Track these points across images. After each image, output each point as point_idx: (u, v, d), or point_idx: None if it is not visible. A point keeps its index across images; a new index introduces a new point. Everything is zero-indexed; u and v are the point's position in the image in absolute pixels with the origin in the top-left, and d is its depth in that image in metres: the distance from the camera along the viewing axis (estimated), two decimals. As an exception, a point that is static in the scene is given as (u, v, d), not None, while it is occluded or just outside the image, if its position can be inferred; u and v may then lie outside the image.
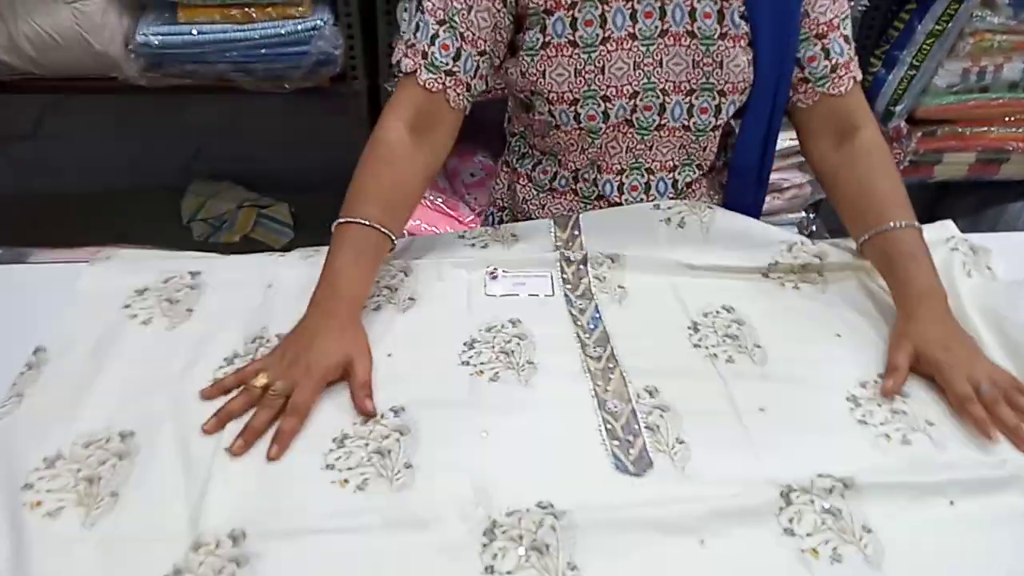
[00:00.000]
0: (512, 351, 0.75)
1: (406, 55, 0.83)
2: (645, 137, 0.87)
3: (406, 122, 0.83)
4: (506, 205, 1.01)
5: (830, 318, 0.81)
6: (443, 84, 0.82)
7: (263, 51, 1.28)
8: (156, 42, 1.26)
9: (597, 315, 0.80)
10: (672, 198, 0.92)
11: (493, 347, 0.75)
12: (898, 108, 1.72)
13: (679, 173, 0.91)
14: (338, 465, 0.63)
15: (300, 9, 1.30)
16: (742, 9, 0.82)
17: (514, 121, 0.97)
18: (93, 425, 0.65)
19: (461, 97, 0.83)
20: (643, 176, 0.90)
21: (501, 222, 1.02)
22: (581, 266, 0.86)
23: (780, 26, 0.84)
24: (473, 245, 0.88)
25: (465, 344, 0.76)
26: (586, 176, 0.91)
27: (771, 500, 0.61)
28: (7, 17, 1.21)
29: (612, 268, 0.86)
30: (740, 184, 0.94)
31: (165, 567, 0.55)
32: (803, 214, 1.83)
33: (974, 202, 2.01)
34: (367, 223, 0.77)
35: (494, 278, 0.84)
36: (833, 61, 0.86)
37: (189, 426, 0.65)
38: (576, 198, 0.93)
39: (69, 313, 0.77)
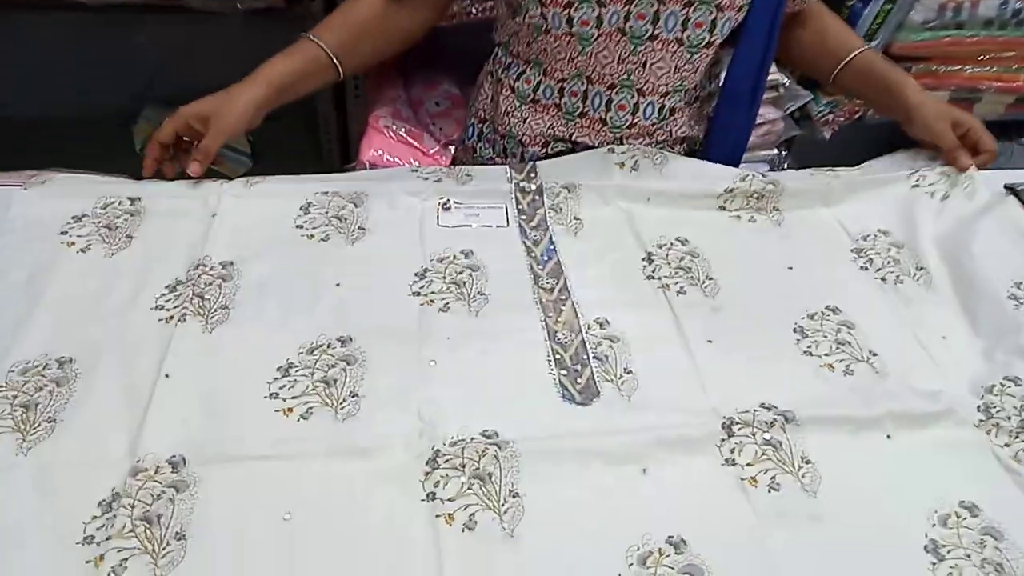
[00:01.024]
0: (464, 282, 0.74)
1: None
2: (638, 48, 0.84)
3: None
4: (487, 117, 0.98)
5: (783, 251, 0.81)
6: None
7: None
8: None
9: (551, 246, 0.79)
10: (655, 124, 0.90)
11: (444, 277, 0.74)
12: (874, 43, 1.68)
13: (668, 99, 0.89)
14: (282, 394, 0.62)
15: (253, -79, 1.22)
16: None
17: (501, 29, 0.94)
18: (30, 352, 0.63)
19: None
20: (633, 96, 0.88)
21: (481, 135, 1.00)
22: (537, 196, 0.84)
23: None
24: (427, 179, 0.86)
25: (416, 274, 0.74)
26: (574, 88, 0.88)
27: (714, 431, 0.62)
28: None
29: (568, 199, 0.84)
30: (730, 112, 0.92)
31: (103, 492, 0.54)
32: (775, 151, 1.82)
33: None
34: (315, 40, 0.84)
35: (447, 209, 0.82)
36: None
37: (129, 354, 0.63)
38: (559, 113, 0.91)
39: (1, 241, 0.74)
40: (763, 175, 0.87)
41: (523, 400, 0.63)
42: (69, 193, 0.79)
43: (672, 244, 0.80)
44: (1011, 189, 0.96)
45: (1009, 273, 0.79)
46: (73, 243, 0.74)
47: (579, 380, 0.65)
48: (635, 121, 0.90)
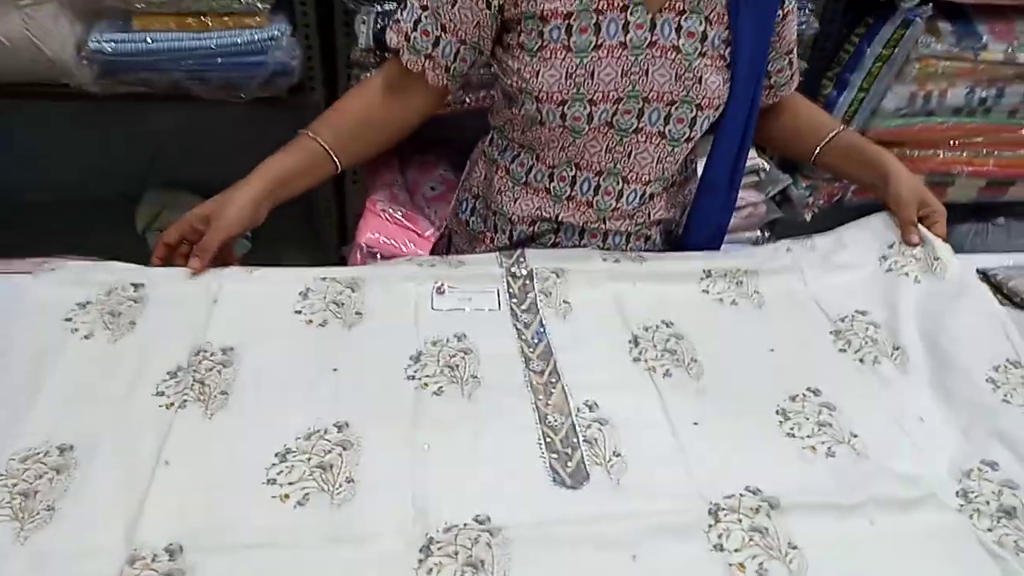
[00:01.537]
0: (457, 365, 0.76)
1: (392, 31, 0.89)
2: (624, 139, 0.89)
3: (386, 81, 0.92)
4: (480, 193, 1.03)
5: (765, 333, 0.83)
6: (422, 66, 0.89)
7: (219, 60, 1.27)
8: (109, 49, 1.24)
9: (542, 329, 0.81)
10: (636, 208, 0.95)
11: (439, 361, 0.76)
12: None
13: (649, 187, 0.94)
14: (279, 480, 0.63)
15: (257, 19, 1.30)
16: (724, 34, 0.87)
17: (496, 114, 0.99)
18: (31, 440, 0.64)
19: (440, 77, 0.89)
20: (618, 183, 0.93)
21: (474, 209, 1.04)
22: (527, 281, 0.87)
23: (757, 51, 0.90)
24: (420, 265, 0.89)
25: (411, 357, 0.76)
26: (563, 174, 0.93)
27: (701, 517, 0.63)
28: (-45, 22, 1.19)
29: (557, 283, 0.87)
30: (710, 200, 0.97)
31: (100, 580, 0.54)
32: (758, 232, 1.88)
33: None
34: (312, 136, 0.89)
35: (441, 292, 0.85)
36: (793, 69, 1.00)
37: (129, 441, 0.65)
38: (548, 195, 0.96)
39: (8, 328, 0.75)
40: (737, 268, 0.91)
41: (514, 484, 0.64)
42: (76, 280, 0.81)
43: (658, 327, 0.83)
44: (983, 274, 1.00)
45: (988, 357, 0.81)
46: (77, 329, 0.76)
47: (569, 464, 0.66)
48: (618, 205, 0.95)
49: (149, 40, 1.24)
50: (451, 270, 0.88)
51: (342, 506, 0.61)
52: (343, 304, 0.82)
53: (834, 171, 1.05)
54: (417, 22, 0.87)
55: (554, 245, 0.98)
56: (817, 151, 1.01)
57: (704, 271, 0.90)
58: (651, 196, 0.96)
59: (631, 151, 0.91)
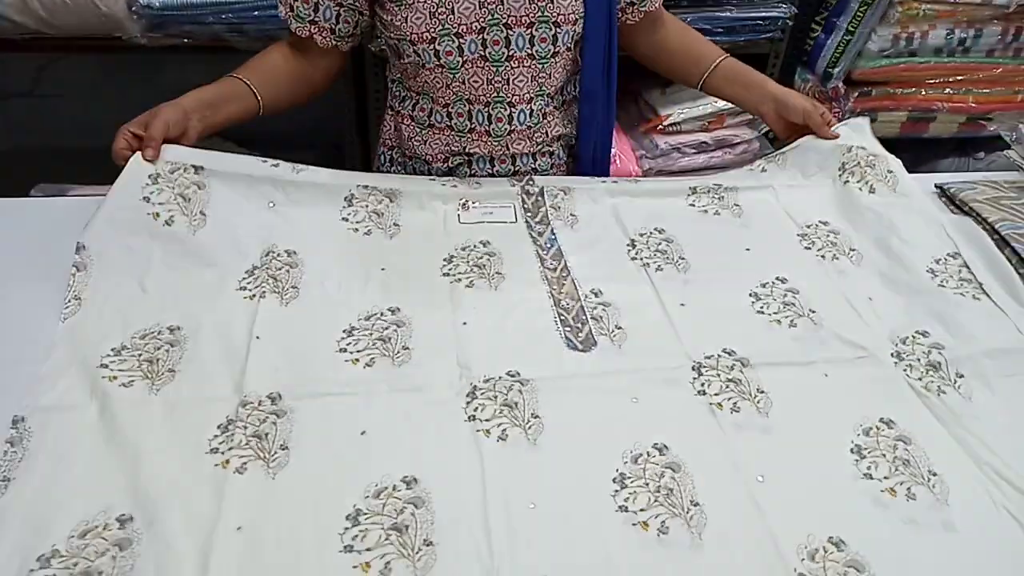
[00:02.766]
0: (483, 264, 0.91)
1: (280, 4, 0.99)
2: (499, 69, 1.00)
3: (289, 46, 1.02)
4: (394, 144, 1.14)
5: (743, 237, 0.98)
6: (308, 31, 0.98)
7: (256, 13, 1.39)
8: (157, 4, 1.36)
9: (553, 236, 0.96)
10: (530, 127, 1.06)
11: (468, 261, 0.91)
12: (835, 70, 1.87)
13: (534, 104, 1.04)
14: (349, 348, 0.78)
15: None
16: None
17: (391, 70, 1.10)
18: (146, 323, 0.79)
19: (327, 40, 0.99)
20: (506, 108, 1.03)
21: (392, 160, 1.14)
22: (539, 197, 1.02)
23: None
24: (444, 185, 1.03)
25: (444, 260, 0.91)
26: (459, 111, 1.04)
27: (687, 372, 0.79)
28: (18, -21, 1.31)
29: (564, 199, 1.02)
30: (590, 108, 1.08)
31: (220, 419, 0.70)
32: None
33: (909, 158, 2.19)
34: (236, 76, 0.98)
35: (466, 208, 1.00)
36: None
37: (226, 321, 0.80)
38: (452, 132, 1.06)
39: (101, 215, 0.84)
40: (719, 185, 1.06)
41: (537, 349, 0.80)
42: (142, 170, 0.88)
43: (651, 233, 0.98)
44: (941, 188, 1.15)
45: (930, 252, 0.97)
46: (158, 214, 0.86)
47: (580, 334, 0.82)
48: (512, 128, 1.05)
49: (193, -6, 1.36)
50: (471, 190, 1.02)
51: (401, 367, 0.77)
52: (383, 214, 0.96)
53: (721, 96, 1.16)
54: None
55: (471, 175, 1.09)
56: (704, 76, 1.12)
57: (690, 188, 1.05)
58: (544, 115, 1.06)
59: (508, 78, 1.01)
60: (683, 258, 0.94)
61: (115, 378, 0.73)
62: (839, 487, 0.69)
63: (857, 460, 0.72)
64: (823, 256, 0.96)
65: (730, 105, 1.77)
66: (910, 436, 0.74)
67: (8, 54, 1.44)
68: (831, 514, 0.66)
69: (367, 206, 0.97)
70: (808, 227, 1.01)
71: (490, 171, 1.09)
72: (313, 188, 0.96)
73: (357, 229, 0.94)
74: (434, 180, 1.05)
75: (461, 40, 0.97)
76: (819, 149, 1.09)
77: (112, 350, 0.76)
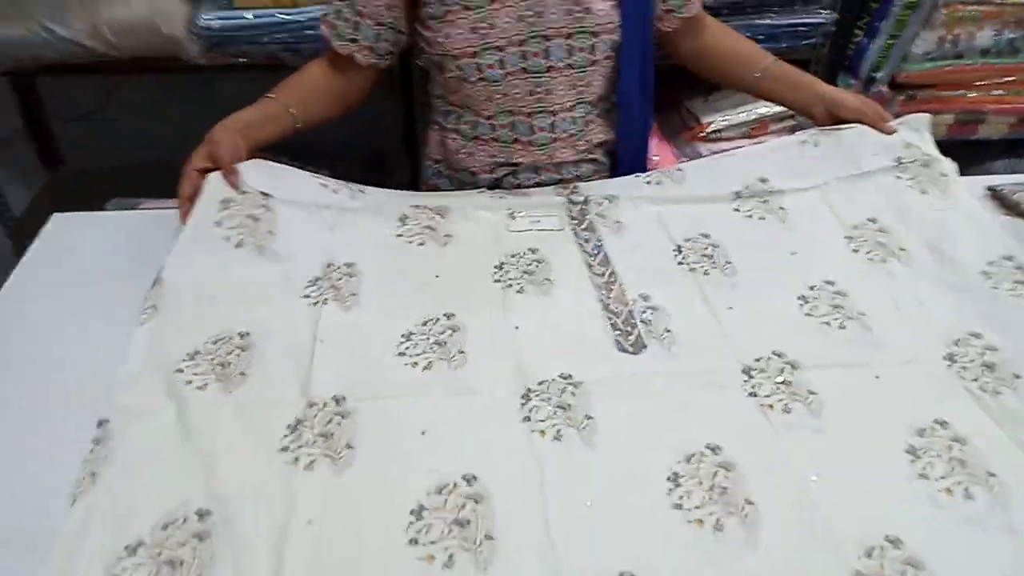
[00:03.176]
0: (534, 271, 0.93)
1: (322, 23, 1.02)
2: (540, 80, 1.02)
3: (328, 62, 1.05)
4: (440, 158, 1.16)
5: (788, 240, 0.99)
6: (349, 50, 1.01)
7: (308, 32, 1.45)
8: (216, 25, 1.42)
9: (600, 243, 0.98)
10: (573, 135, 1.08)
11: (518, 268, 0.93)
12: (879, 74, 1.85)
13: (576, 112, 1.07)
14: (408, 352, 0.81)
15: (340, -4, 1.45)
16: None
17: (433, 85, 1.13)
18: (218, 329, 0.83)
19: (367, 57, 1.02)
20: (548, 118, 1.06)
21: (439, 174, 1.16)
22: (584, 206, 1.04)
23: None
24: (491, 197, 1.06)
25: (495, 267, 0.94)
26: (502, 122, 1.06)
27: (737, 375, 0.79)
28: (88, 6, 1.38)
29: (610, 207, 1.03)
30: (627, 117, 1.10)
31: (289, 419, 0.74)
32: None
33: (960, 161, 2.15)
34: (273, 97, 1.01)
35: (513, 218, 1.02)
36: None
37: (291, 327, 0.83)
38: (497, 144, 1.09)
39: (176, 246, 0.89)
40: (764, 187, 1.06)
41: (589, 352, 0.81)
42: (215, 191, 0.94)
43: (696, 238, 0.99)
44: (993, 190, 1.13)
45: (984, 255, 0.96)
46: (228, 238, 0.90)
47: (630, 337, 0.84)
48: (555, 136, 1.07)
49: (249, 16, 1.42)
50: (517, 200, 1.05)
51: (458, 370, 0.79)
52: (435, 228, 1.00)
53: (772, 98, 1.18)
54: (338, 12, 1.00)
55: (517, 186, 1.11)
56: (755, 78, 1.13)
57: (734, 192, 1.05)
58: (586, 123, 1.08)
59: (549, 88, 1.03)
60: (729, 262, 0.95)
61: (190, 382, 0.77)
62: (894, 487, 0.69)
63: (912, 460, 0.72)
64: (871, 259, 0.96)
65: (772, 111, 1.80)
66: (966, 437, 0.74)
67: (79, 76, 1.52)
68: (887, 513, 0.67)
69: (419, 222, 1.00)
70: (855, 228, 1.00)
71: (536, 180, 1.11)
72: (369, 212, 1.00)
73: (412, 242, 0.97)
74: (482, 192, 1.08)
75: (502, 53, 1.00)
76: (879, 138, 1.08)
77: (187, 355, 0.80)
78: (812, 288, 0.91)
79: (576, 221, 1.02)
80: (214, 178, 0.92)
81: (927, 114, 1.11)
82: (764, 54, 1.14)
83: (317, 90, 1.05)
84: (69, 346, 0.82)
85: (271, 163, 0.98)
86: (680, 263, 0.95)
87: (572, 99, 1.05)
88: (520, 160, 1.09)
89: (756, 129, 1.78)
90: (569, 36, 1.00)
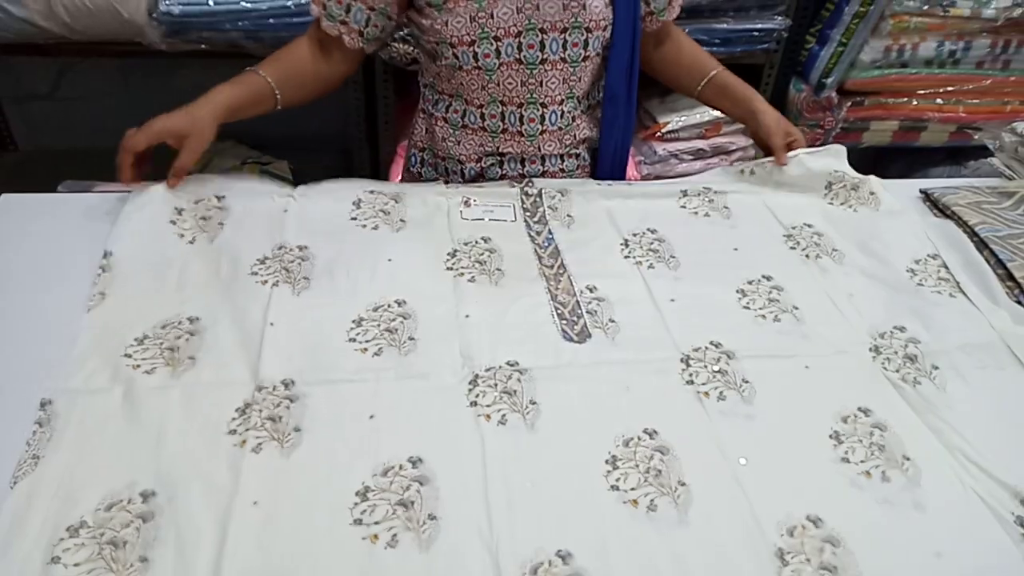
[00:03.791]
0: (485, 260, 0.94)
1: (312, 1, 1.02)
2: (533, 71, 1.04)
3: (313, 42, 1.04)
4: (426, 146, 1.17)
5: (731, 237, 1.02)
6: (338, 31, 1.01)
7: (271, 20, 1.43)
8: (177, 11, 1.40)
9: (551, 236, 1.00)
10: (560, 128, 1.10)
11: (470, 257, 0.95)
12: (829, 80, 1.91)
13: (565, 106, 1.09)
14: (358, 339, 0.82)
15: (304, -17, 1.44)
16: None
17: (424, 74, 1.14)
18: (167, 314, 0.83)
19: (355, 41, 1.02)
20: (538, 109, 1.08)
21: (423, 161, 1.18)
22: (537, 199, 1.06)
23: None
24: (447, 185, 1.07)
25: (448, 254, 0.95)
26: (492, 112, 1.08)
27: (676, 363, 0.82)
28: (45, -14, 1.35)
29: (561, 200, 1.05)
30: (613, 110, 1.13)
31: (237, 402, 0.74)
32: None
33: (902, 167, 2.21)
34: (258, 72, 1.00)
35: (468, 205, 1.03)
36: None
37: (242, 310, 0.83)
38: (486, 133, 1.10)
39: (128, 227, 0.91)
40: (709, 188, 1.10)
41: (535, 341, 0.83)
42: (168, 198, 0.96)
43: (644, 233, 1.01)
44: (925, 193, 1.18)
45: (910, 254, 1.00)
46: (182, 235, 0.93)
47: (575, 326, 0.86)
48: (544, 128, 1.10)
49: (211, 3, 1.40)
50: (472, 190, 1.06)
51: (408, 355, 0.80)
52: (389, 212, 1.00)
53: (712, 106, 1.21)
54: None
55: (502, 177, 1.13)
56: (699, 88, 1.17)
57: (682, 191, 1.08)
58: (573, 118, 1.11)
59: (541, 80, 1.05)
60: (674, 256, 0.97)
61: (138, 366, 0.77)
62: (818, 470, 0.73)
63: (835, 445, 0.75)
64: (807, 255, 1.00)
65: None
66: (886, 424, 0.78)
67: (32, 58, 1.49)
68: (809, 494, 0.70)
69: (374, 206, 1.01)
70: (794, 228, 1.04)
71: (520, 171, 1.13)
72: (323, 196, 1.01)
73: (365, 225, 0.98)
74: (438, 182, 1.09)
75: (499, 43, 1.01)
76: (807, 166, 1.12)
77: (135, 340, 0.79)
78: (751, 283, 0.94)
79: (528, 213, 1.04)
80: (162, 189, 0.94)
81: (841, 146, 1.14)
82: (713, 64, 1.17)
83: (303, 72, 1.04)
84: (16, 328, 0.81)
85: (222, 177, 1.00)
86: (627, 256, 0.97)
87: (563, 93, 1.07)
88: (508, 150, 1.11)
89: (710, 130, 1.82)
90: (564, 31, 1.02)
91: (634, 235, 1.01)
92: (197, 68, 1.63)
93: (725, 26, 1.74)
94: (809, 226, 1.05)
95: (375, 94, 1.67)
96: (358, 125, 1.72)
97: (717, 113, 1.76)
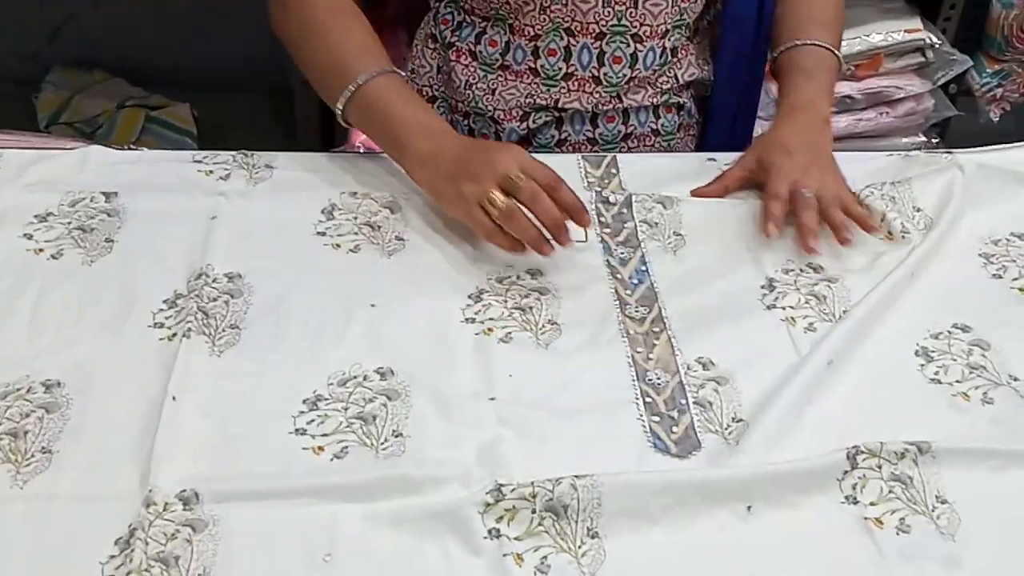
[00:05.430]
0: (530, 307, 0.98)
1: None
2: None
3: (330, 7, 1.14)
4: (437, 94, 1.22)
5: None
6: None
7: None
8: None
9: (643, 267, 1.03)
10: (658, 71, 1.15)
11: (506, 302, 0.98)
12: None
13: (668, 39, 1.13)
14: (311, 430, 0.85)
15: None
16: None
17: None
18: (9, 375, 0.88)
19: None
20: (628, 44, 1.12)
21: None
22: (624, 209, 1.09)
23: None
24: None
25: (470, 297, 0.99)
26: (552, 46, 1.12)
27: (836, 462, 0.83)
28: None
29: (664, 213, 1.09)
30: (736, 42, 1.17)
31: (116, 529, 0.77)
32: (922, 137, 2.05)
33: None
34: (391, 70, 1.10)
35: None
36: None
37: (127, 375, 0.88)
38: (539, 79, 1.15)
39: None
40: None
41: (604, 445, 0.85)
42: (27, 181, 1.04)
43: (802, 270, 1.04)
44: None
45: None
46: (42, 249, 1.00)
47: (675, 429, 0.88)
48: (634, 74, 1.14)
49: None
50: None
51: (389, 460, 0.83)
52: (379, 227, 1.05)
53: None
54: None
55: (560, 142, 1.18)
56: (774, 55, 1.22)
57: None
58: (674, 51, 1.15)
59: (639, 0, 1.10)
60: (846, 311, 0.99)
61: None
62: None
63: None
64: (1021, 289, 1.04)
65: (891, 40, 1.88)
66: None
67: None
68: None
69: (356, 218, 1.06)
70: (996, 243, 1.09)
71: (590, 134, 1.18)
72: (277, 193, 1.07)
73: (339, 245, 1.04)
74: None
75: None
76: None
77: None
78: (936, 336, 0.98)
79: (609, 230, 1.08)
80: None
81: None
82: (804, 31, 1.22)
83: (367, 26, 1.16)
84: None
85: (116, 150, 1.10)
86: (771, 307, 1.00)
87: (669, 19, 1.12)
88: (572, 104, 1.16)
89: (863, 66, 1.92)
90: None
91: (785, 272, 1.04)
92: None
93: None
94: (1020, 238, 1.09)
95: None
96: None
97: (876, 39, 1.84)
